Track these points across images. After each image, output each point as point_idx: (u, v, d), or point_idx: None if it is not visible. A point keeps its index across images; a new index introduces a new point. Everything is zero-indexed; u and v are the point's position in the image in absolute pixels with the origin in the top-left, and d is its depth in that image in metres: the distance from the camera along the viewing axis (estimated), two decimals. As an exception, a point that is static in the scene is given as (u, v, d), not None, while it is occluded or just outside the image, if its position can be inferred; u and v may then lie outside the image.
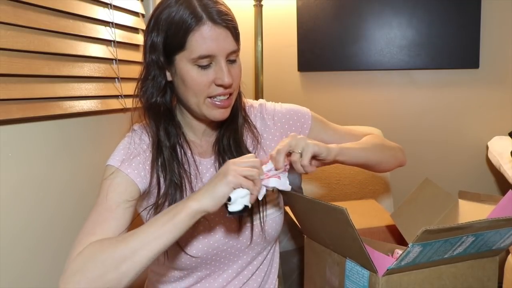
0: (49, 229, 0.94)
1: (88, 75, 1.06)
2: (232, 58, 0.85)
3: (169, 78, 0.88)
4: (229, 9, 0.85)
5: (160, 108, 0.88)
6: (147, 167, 0.87)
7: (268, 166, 0.82)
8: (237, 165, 0.75)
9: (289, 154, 0.82)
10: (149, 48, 0.86)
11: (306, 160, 0.80)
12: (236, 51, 0.85)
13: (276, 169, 0.81)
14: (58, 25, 0.96)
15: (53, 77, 0.96)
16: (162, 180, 0.87)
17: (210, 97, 0.85)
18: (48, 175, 0.94)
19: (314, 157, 0.83)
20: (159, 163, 0.87)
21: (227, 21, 0.82)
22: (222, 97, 0.85)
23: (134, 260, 0.70)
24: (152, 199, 0.89)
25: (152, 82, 0.87)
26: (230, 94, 0.86)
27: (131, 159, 0.86)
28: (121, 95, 1.19)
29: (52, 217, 0.95)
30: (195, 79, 0.83)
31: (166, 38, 0.83)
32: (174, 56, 0.83)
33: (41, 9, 0.92)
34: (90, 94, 1.06)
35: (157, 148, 0.88)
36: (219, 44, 0.81)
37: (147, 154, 0.88)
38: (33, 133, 0.90)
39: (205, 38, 0.80)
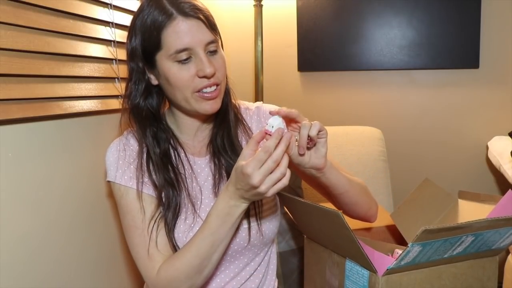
0: (49, 229, 0.93)
1: (88, 75, 1.06)
2: (211, 49, 0.85)
3: (154, 81, 0.89)
4: (200, 2, 0.86)
5: (142, 111, 0.90)
6: (141, 172, 0.89)
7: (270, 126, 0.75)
8: (268, 185, 0.71)
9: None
10: (129, 55, 0.88)
11: (314, 130, 0.77)
12: (214, 42, 0.85)
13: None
14: (58, 25, 0.96)
15: (53, 77, 0.96)
16: (156, 181, 0.88)
17: (197, 92, 0.85)
18: (48, 175, 0.93)
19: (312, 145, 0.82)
20: (150, 168, 0.89)
21: (197, 12, 0.82)
22: (209, 89, 0.86)
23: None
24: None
25: (134, 85, 0.90)
26: (217, 85, 0.86)
27: (126, 170, 0.88)
28: (121, 95, 1.19)
29: (53, 217, 0.95)
30: (177, 75, 0.83)
31: (143, 42, 0.85)
32: (154, 57, 0.85)
33: (41, 9, 0.91)
34: (90, 94, 1.06)
35: (147, 154, 0.90)
36: (193, 36, 0.82)
37: (137, 160, 0.90)
38: (33, 133, 0.90)
39: (178, 32, 0.81)
